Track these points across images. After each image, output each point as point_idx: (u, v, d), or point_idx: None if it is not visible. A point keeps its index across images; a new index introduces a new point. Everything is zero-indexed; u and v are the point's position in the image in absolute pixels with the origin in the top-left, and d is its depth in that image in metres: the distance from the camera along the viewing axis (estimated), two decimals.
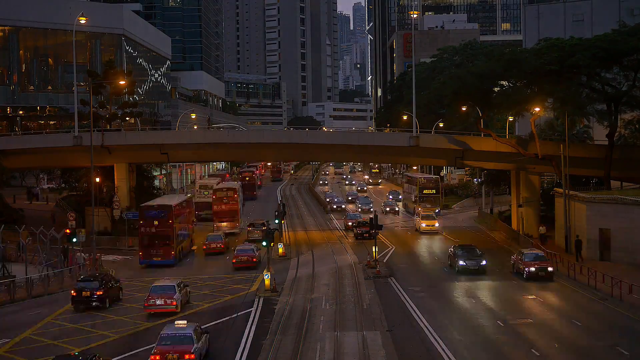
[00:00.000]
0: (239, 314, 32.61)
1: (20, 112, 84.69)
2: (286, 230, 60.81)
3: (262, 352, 27.42)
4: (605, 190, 49.31)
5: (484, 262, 42.55)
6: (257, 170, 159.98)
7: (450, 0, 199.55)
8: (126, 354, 27.20)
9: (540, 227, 52.38)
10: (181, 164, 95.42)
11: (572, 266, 40.76)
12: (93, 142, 48.56)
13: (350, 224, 62.67)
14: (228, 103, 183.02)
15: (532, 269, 39.86)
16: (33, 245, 44.57)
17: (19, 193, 73.73)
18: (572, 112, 50.03)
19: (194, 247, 54.07)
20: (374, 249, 45.08)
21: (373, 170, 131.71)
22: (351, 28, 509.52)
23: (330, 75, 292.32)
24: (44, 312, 34.51)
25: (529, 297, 36.58)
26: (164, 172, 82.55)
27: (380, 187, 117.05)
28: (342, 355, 26.63)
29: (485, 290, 38.55)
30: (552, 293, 37.31)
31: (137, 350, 27.59)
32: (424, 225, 61.03)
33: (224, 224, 60.60)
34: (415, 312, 33.19)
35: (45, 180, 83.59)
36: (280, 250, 50.48)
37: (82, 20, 53.36)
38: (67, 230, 44.82)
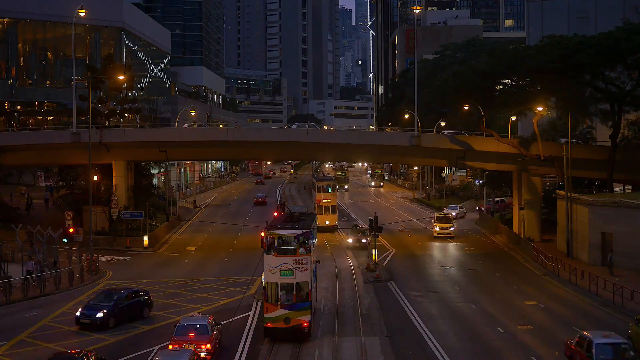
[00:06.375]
0: (235, 317, 32.16)
1: (19, 108, 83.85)
2: None
3: (259, 358, 27.16)
4: (607, 193, 48.76)
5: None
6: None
7: None
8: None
9: None
10: (180, 162, 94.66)
11: (573, 271, 40.30)
12: (91, 138, 48.04)
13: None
14: (228, 100, 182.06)
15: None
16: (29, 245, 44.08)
17: (15, 191, 73.16)
18: (575, 112, 49.40)
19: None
20: (373, 252, 44.67)
21: (375, 170, 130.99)
22: (353, 23, 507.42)
23: (332, 72, 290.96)
24: (40, 314, 34.07)
25: (530, 302, 36.17)
26: (162, 170, 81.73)
27: (382, 189, 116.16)
28: None
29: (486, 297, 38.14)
30: (555, 300, 36.83)
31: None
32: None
33: None
34: (415, 317, 32.83)
35: (43, 177, 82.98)
36: None
37: (82, 13, 52.73)
38: (71, 229, 44.29)
